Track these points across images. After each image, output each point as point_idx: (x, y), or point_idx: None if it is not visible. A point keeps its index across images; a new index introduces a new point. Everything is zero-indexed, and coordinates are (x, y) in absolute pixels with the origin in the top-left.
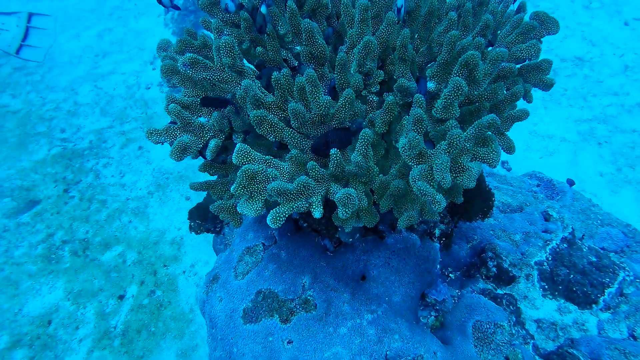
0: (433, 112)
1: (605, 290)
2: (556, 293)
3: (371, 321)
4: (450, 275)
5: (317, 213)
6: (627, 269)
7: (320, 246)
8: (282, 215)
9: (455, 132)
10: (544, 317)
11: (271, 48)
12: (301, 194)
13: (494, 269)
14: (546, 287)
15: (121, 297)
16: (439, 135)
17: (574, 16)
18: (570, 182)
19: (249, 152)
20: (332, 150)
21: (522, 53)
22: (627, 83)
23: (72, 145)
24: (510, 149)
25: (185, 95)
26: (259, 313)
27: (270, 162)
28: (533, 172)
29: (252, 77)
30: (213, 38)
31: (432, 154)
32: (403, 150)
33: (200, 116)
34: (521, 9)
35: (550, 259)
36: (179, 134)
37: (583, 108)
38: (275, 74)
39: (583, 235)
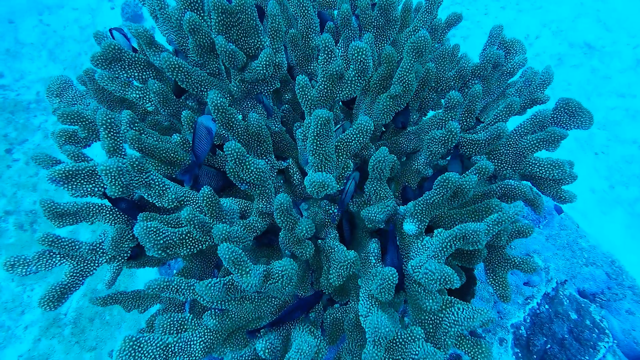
0: (410, 269)
1: None
2: None
3: None
4: None
5: None
6: (608, 334)
7: None
8: None
9: (429, 351)
10: None
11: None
12: None
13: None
14: (520, 354)
15: None
16: (413, 303)
17: None
18: (559, 210)
19: None
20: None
21: (543, 171)
22: (636, 82)
23: (15, 95)
24: (505, 299)
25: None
26: None
27: None
28: None
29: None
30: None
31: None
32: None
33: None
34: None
35: (528, 321)
36: (58, 261)
37: None
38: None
39: (565, 280)
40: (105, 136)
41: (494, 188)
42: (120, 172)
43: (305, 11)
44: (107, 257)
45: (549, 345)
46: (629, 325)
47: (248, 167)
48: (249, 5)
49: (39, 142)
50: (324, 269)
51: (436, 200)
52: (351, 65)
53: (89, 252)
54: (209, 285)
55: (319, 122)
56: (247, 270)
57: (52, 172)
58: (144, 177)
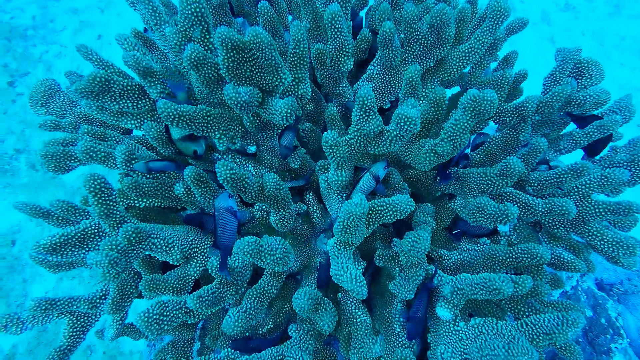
0: (439, 355)
1: None
2: None
3: None
4: None
5: None
6: (622, 335)
7: None
8: None
9: None
10: None
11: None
12: None
13: None
14: None
15: None
16: None
17: None
18: None
19: None
20: None
21: (605, 247)
22: None
23: (9, 18)
24: None
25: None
26: None
27: None
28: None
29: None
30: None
31: None
32: None
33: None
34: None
35: None
36: (55, 317)
37: (636, 69)
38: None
39: (586, 272)
40: (95, 203)
41: None
42: (114, 262)
43: (338, 33)
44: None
45: None
46: None
47: (264, 259)
48: (266, 44)
49: (41, 75)
50: (343, 334)
51: (478, 298)
52: (393, 124)
53: (89, 308)
54: None
55: (350, 218)
56: None
57: (37, 248)
58: (144, 246)
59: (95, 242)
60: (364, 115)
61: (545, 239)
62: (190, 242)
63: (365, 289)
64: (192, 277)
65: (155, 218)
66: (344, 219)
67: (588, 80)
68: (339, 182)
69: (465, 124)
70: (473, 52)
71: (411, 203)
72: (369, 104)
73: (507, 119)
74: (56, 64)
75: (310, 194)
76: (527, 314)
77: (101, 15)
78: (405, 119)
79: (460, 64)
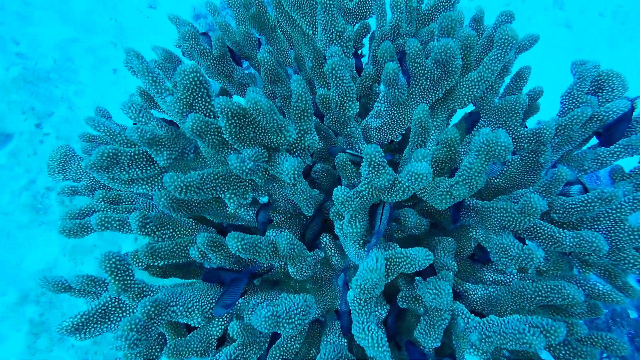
0: None
1: None
2: None
3: None
4: None
5: None
6: None
7: None
8: None
9: None
10: None
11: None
12: None
13: None
14: None
15: None
16: None
17: None
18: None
19: None
20: None
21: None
22: None
23: (34, 65)
24: None
25: None
26: None
27: None
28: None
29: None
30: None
31: None
32: None
33: None
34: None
35: None
36: None
37: None
38: None
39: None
40: (112, 280)
41: None
42: (134, 344)
43: (340, 82)
44: None
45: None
46: None
47: (284, 329)
48: (266, 109)
49: (64, 113)
50: None
51: (507, 347)
52: (404, 178)
53: None
54: None
55: (366, 283)
56: None
57: (61, 329)
58: (164, 316)
59: (117, 315)
60: (374, 171)
61: (577, 264)
62: (210, 301)
63: (389, 353)
64: (215, 337)
65: (175, 272)
66: (361, 284)
67: (609, 93)
68: (354, 234)
69: (480, 168)
70: (483, 81)
71: (429, 257)
72: (377, 160)
73: (525, 145)
74: (76, 102)
75: (327, 237)
76: (562, 352)
77: (114, 49)
78: (416, 176)
79: (470, 92)
